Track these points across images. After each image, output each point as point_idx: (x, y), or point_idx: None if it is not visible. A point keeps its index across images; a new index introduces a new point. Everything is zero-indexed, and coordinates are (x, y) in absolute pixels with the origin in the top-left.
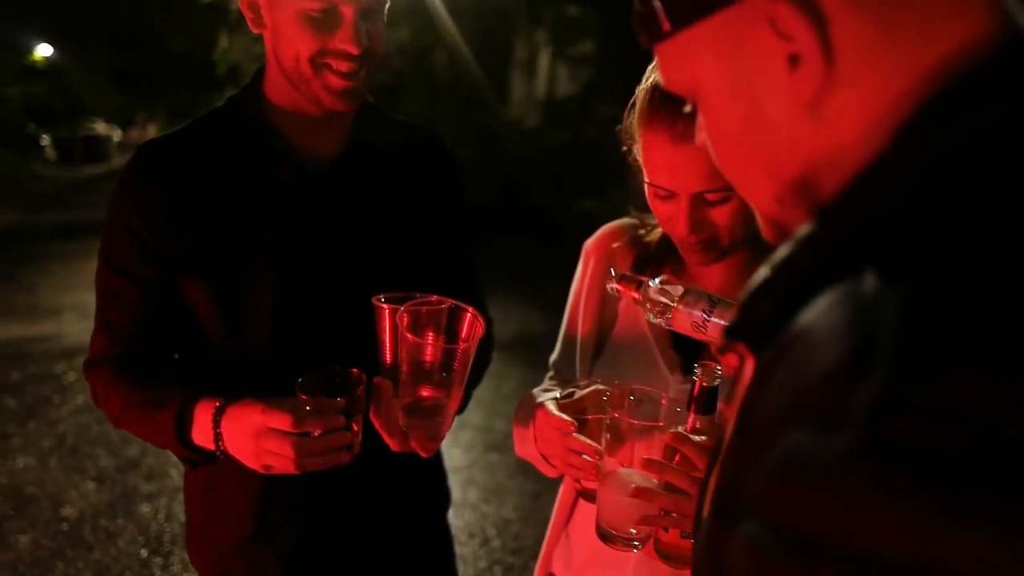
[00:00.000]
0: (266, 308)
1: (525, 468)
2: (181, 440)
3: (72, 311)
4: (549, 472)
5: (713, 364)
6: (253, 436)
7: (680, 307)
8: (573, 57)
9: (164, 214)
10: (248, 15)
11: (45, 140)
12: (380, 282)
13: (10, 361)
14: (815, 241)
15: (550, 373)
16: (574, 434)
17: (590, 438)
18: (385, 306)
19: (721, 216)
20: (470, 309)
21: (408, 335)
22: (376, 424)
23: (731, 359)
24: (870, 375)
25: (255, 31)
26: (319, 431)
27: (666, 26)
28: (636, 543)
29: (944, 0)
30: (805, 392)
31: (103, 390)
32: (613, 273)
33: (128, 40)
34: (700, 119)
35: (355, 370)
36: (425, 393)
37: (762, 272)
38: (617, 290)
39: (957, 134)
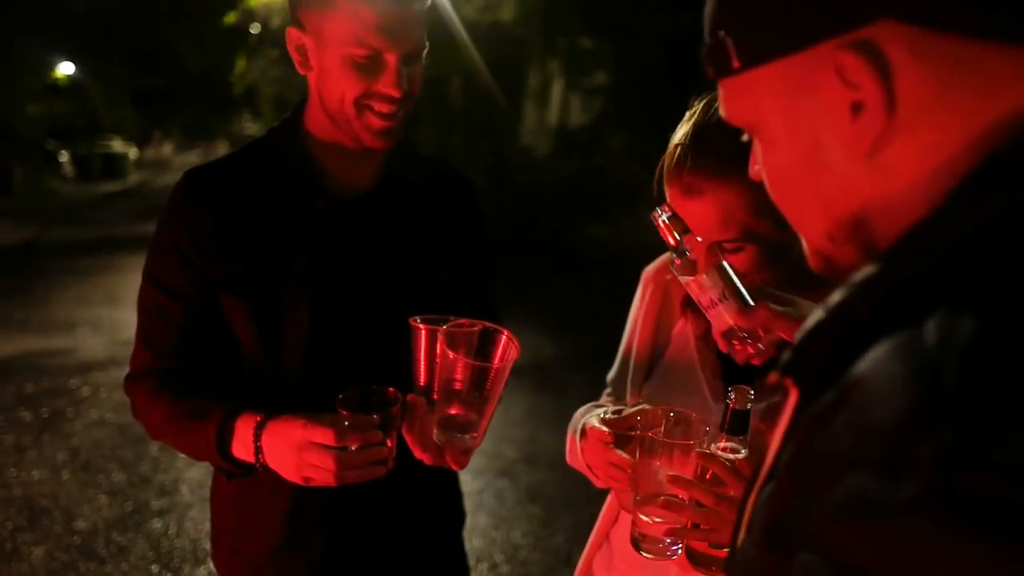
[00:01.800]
0: (301, 328)
1: (534, 494)
2: (221, 452)
3: (87, 326)
4: (596, 483)
5: (747, 389)
6: (295, 449)
7: (703, 277)
8: (586, 87)
9: (209, 236)
10: (295, 57)
11: (64, 157)
12: (408, 305)
13: (26, 374)
14: (871, 287)
15: (607, 389)
16: (614, 448)
17: (631, 454)
18: (422, 326)
19: (737, 263)
20: (505, 331)
21: (449, 353)
22: (409, 439)
23: (772, 377)
24: (935, 431)
25: (301, 72)
26: (357, 445)
27: (736, 63)
28: (668, 553)
29: (1005, 65)
30: (869, 439)
31: (143, 403)
32: (663, 209)
33: (147, 60)
34: (756, 152)
35: (391, 388)
36: (460, 410)
37: (817, 314)
38: (663, 223)
39: (1017, 194)
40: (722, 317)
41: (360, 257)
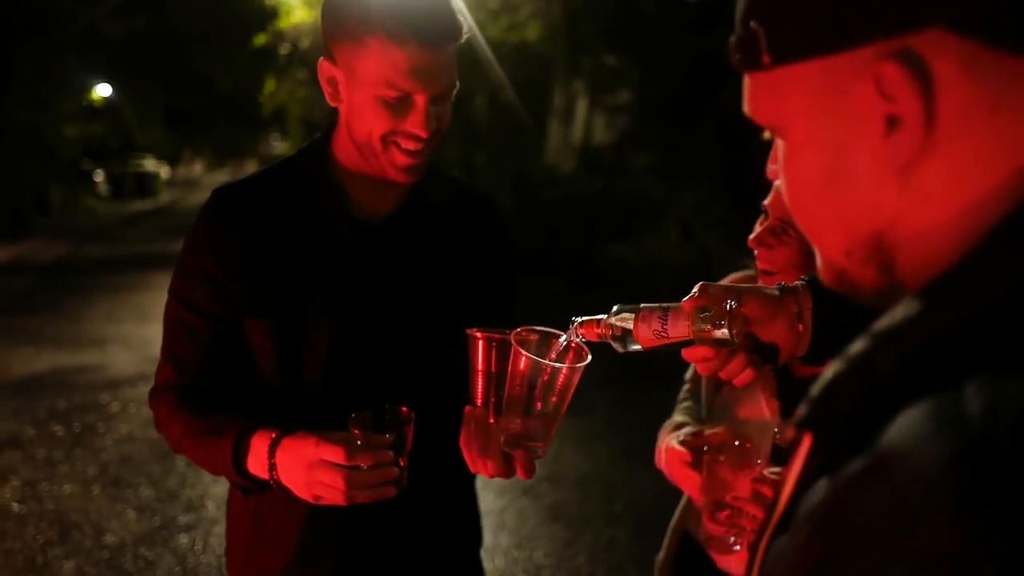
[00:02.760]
0: (321, 349)
1: (557, 514)
2: (237, 468)
3: (117, 342)
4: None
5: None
6: (306, 467)
7: (639, 323)
8: (610, 106)
9: (235, 256)
10: (327, 89)
11: (98, 176)
12: (429, 329)
13: (57, 390)
14: (898, 339)
15: (686, 386)
16: (689, 467)
17: (703, 470)
18: (481, 335)
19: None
20: (575, 341)
21: (522, 357)
22: (467, 454)
23: (788, 433)
24: (984, 520)
25: (332, 104)
26: (368, 465)
27: (766, 59)
28: (731, 549)
29: None
30: (914, 528)
31: (166, 417)
32: (574, 322)
33: (179, 81)
34: (777, 152)
35: (404, 408)
36: (530, 417)
37: (836, 365)
38: (582, 335)
39: None
40: (679, 320)
41: (383, 281)
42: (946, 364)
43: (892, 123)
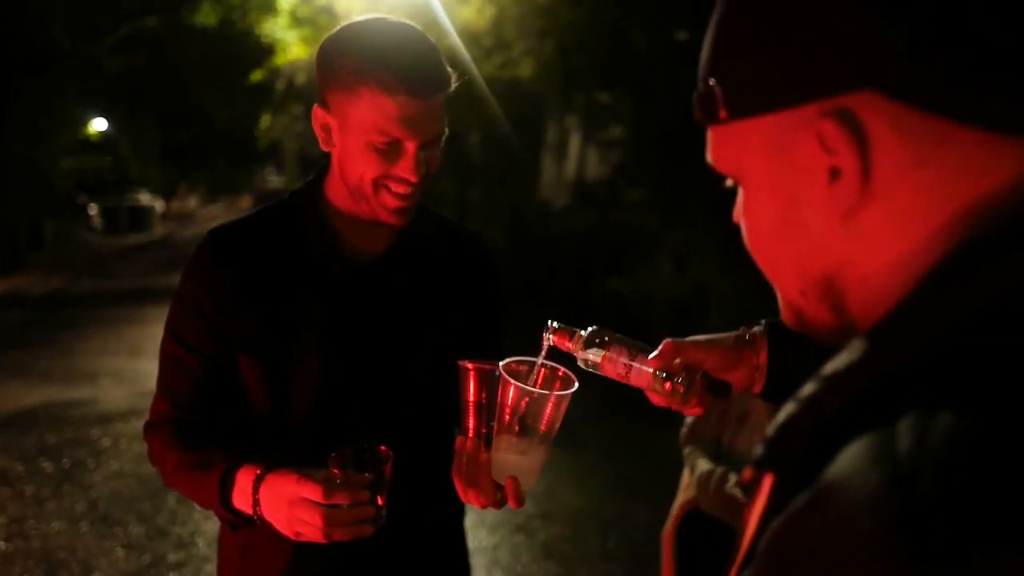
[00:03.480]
0: (310, 386)
1: (550, 551)
2: (223, 503)
3: (109, 376)
4: None
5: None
6: (287, 504)
7: (606, 362)
8: (603, 141)
9: (228, 294)
10: (320, 134)
11: (93, 209)
12: (419, 366)
13: (48, 425)
14: (841, 382)
15: (686, 447)
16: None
17: None
18: (472, 366)
19: None
20: (561, 368)
21: (510, 387)
22: (458, 484)
23: (747, 473)
24: (908, 552)
25: (324, 149)
26: (347, 503)
27: (722, 114)
28: None
29: (984, 151)
30: (848, 553)
31: (160, 451)
32: (549, 325)
33: (176, 116)
34: (739, 199)
35: (383, 447)
36: (519, 447)
37: (789, 407)
38: (553, 340)
39: (991, 287)
40: (642, 373)
41: (373, 319)
42: (886, 403)
43: (834, 174)
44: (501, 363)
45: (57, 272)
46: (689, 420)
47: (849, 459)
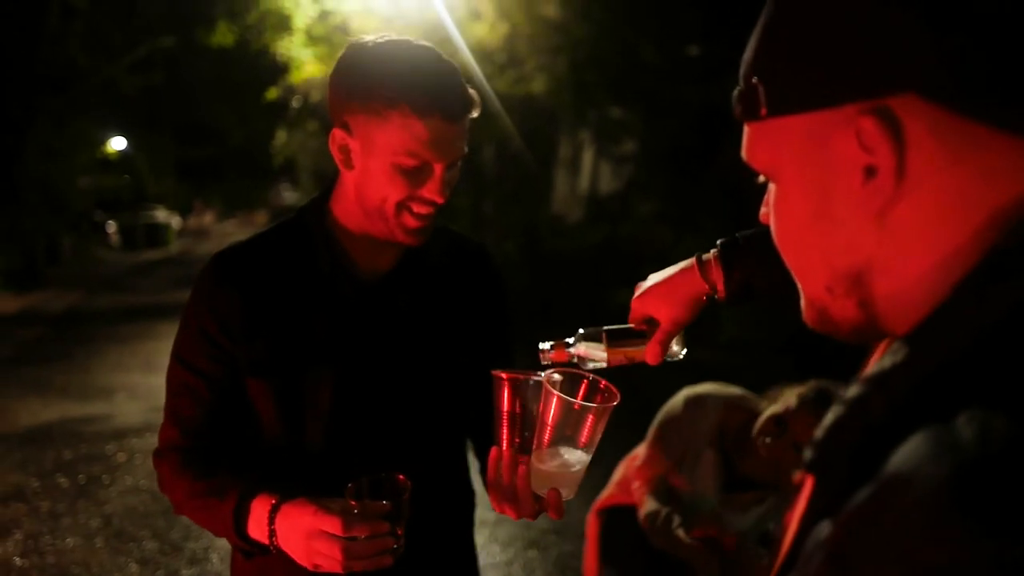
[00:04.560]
0: (322, 409)
1: (564, 566)
2: (238, 532)
3: (124, 392)
4: None
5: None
6: (304, 536)
7: (610, 347)
8: (616, 155)
9: (236, 319)
10: (338, 156)
11: (111, 226)
12: (429, 386)
13: (63, 440)
14: (887, 384)
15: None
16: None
17: None
18: (506, 376)
19: None
20: (603, 380)
21: (554, 396)
22: (492, 494)
23: (797, 476)
24: (982, 534)
25: (342, 169)
26: (365, 535)
27: (763, 111)
28: None
29: (1017, 155)
30: (917, 540)
31: (169, 478)
32: (542, 347)
33: (192, 133)
34: (769, 195)
35: (401, 476)
36: (560, 458)
37: (836, 410)
38: (552, 359)
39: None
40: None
41: (383, 338)
42: (939, 401)
43: (869, 172)
44: (543, 374)
45: (74, 289)
46: (641, 454)
47: (911, 452)
